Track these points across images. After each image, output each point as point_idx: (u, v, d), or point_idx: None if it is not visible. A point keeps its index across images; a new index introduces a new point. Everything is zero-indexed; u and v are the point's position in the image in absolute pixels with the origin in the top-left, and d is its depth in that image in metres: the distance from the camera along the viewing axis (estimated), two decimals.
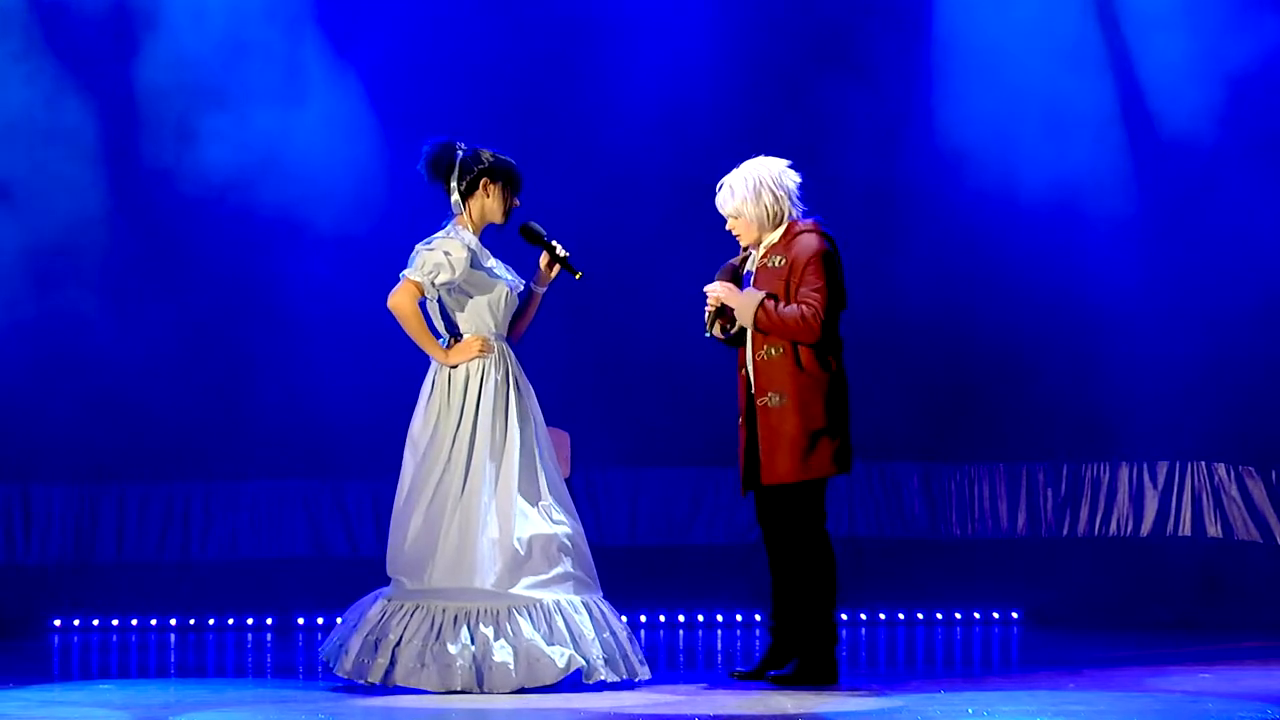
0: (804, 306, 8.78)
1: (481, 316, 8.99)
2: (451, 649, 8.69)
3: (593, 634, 8.75)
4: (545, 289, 9.15)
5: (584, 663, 8.68)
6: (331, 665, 8.98)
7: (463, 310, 9.01)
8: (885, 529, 12.97)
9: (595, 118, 12.79)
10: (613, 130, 12.72)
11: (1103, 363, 12.77)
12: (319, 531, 12.91)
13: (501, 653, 8.67)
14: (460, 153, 9.04)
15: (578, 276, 9.05)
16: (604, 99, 12.77)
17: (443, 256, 8.89)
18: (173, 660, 11.04)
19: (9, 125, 12.48)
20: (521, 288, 9.12)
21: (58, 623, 12.60)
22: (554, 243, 9.07)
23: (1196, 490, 12.80)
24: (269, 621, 12.66)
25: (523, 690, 8.63)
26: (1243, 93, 12.48)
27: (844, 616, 12.77)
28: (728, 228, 9.01)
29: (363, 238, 12.34)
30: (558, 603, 8.77)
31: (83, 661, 11.06)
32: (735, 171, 9.02)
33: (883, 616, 12.76)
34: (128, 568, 12.79)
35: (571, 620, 8.74)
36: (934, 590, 12.75)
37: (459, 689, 8.65)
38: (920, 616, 12.76)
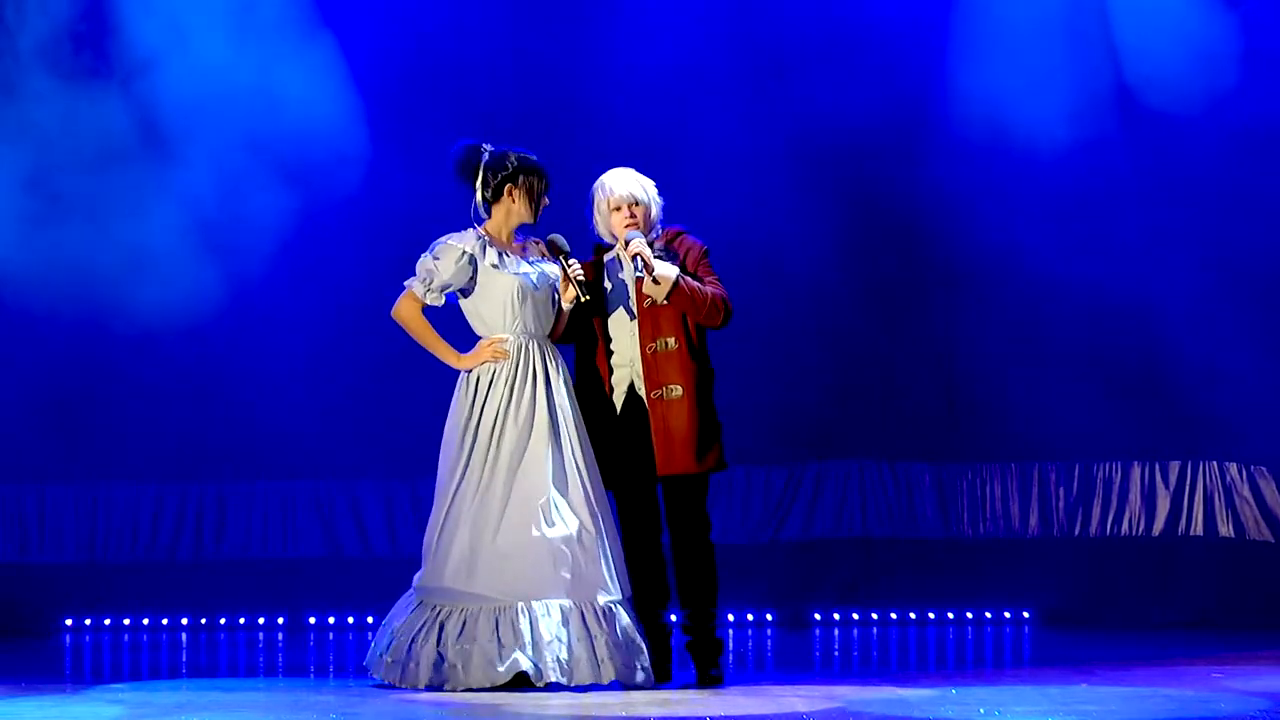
0: (719, 290, 8.98)
1: (494, 316, 8.99)
2: (417, 647, 8.78)
3: (554, 637, 8.69)
4: (571, 305, 9.05)
5: (532, 666, 8.65)
6: None
7: (475, 312, 9.03)
8: (897, 529, 12.96)
9: (600, 103, 12.77)
10: (623, 113, 12.70)
11: (1114, 363, 12.76)
12: (332, 531, 12.92)
13: (456, 654, 8.71)
14: (485, 156, 9.04)
15: (584, 300, 8.96)
16: (612, 73, 12.76)
17: (433, 263, 8.96)
18: (184, 660, 11.05)
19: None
20: (552, 281, 9.08)
21: (70, 622, 12.63)
22: (571, 261, 9.00)
23: (1209, 490, 12.79)
24: (281, 621, 12.67)
25: (468, 690, 8.64)
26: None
27: (857, 616, 12.79)
28: (628, 212, 9.00)
29: (375, 237, 12.33)
30: (529, 606, 8.73)
31: (94, 661, 11.07)
32: (631, 174, 9.06)
33: (894, 615, 12.76)
34: (140, 568, 12.81)
35: (538, 623, 8.70)
36: (945, 589, 12.76)
37: (416, 685, 8.72)
38: (932, 616, 12.76)
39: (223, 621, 12.68)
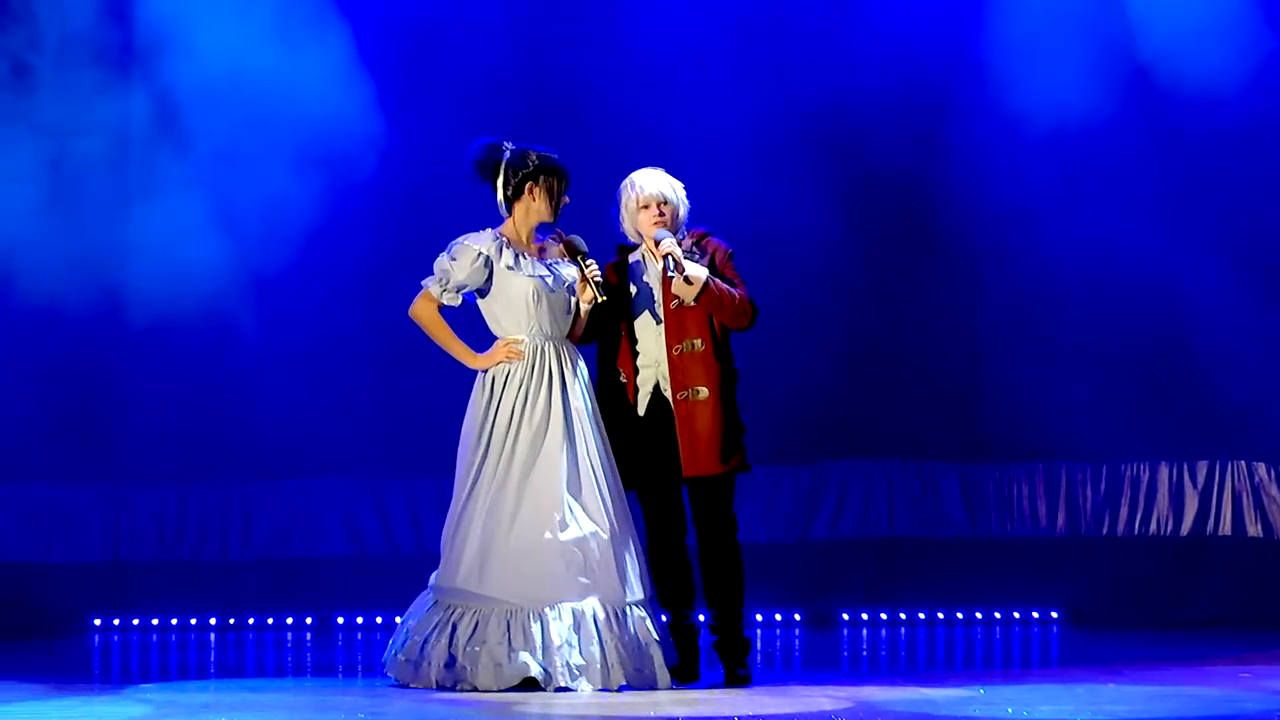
0: (744, 292, 9.01)
1: (509, 316, 8.99)
2: (429, 647, 8.80)
3: (565, 641, 8.68)
4: (590, 306, 9.02)
5: (541, 671, 8.65)
6: None
7: (491, 312, 9.04)
8: (924, 528, 12.94)
9: (608, 102, 12.76)
10: (629, 104, 12.69)
11: (1141, 362, 12.73)
12: (358, 531, 12.92)
13: (465, 655, 8.72)
14: (507, 154, 9.03)
15: (601, 300, 8.96)
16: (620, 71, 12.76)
17: (449, 263, 8.98)
18: (212, 660, 11.07)
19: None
20: (569, 282, 9.07)
21: (98, 622, 12.65)
22: (590, 262, 9.00)
23: (1237, 490, 12.75)
24: (308, 621, 12.69)
25: (475, 689, 8.64)
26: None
27: (884, 615, 12.77)
28: (658, 210, 9.00)
29: (402, 233, 12.31)
30: (540, 611, 8.72)
31: (122, 661, 11.10)
32: (661, 174, 9.07)
33: (922, 616, 12.74)
34: (167, 567, 12.82)
35: (549, 627, 8.70)
36: (973, 589, 12.73)
37: (429, 685, 8.74)
38: (960, 616, 12.74)
39: (250, 621, 12.70)
